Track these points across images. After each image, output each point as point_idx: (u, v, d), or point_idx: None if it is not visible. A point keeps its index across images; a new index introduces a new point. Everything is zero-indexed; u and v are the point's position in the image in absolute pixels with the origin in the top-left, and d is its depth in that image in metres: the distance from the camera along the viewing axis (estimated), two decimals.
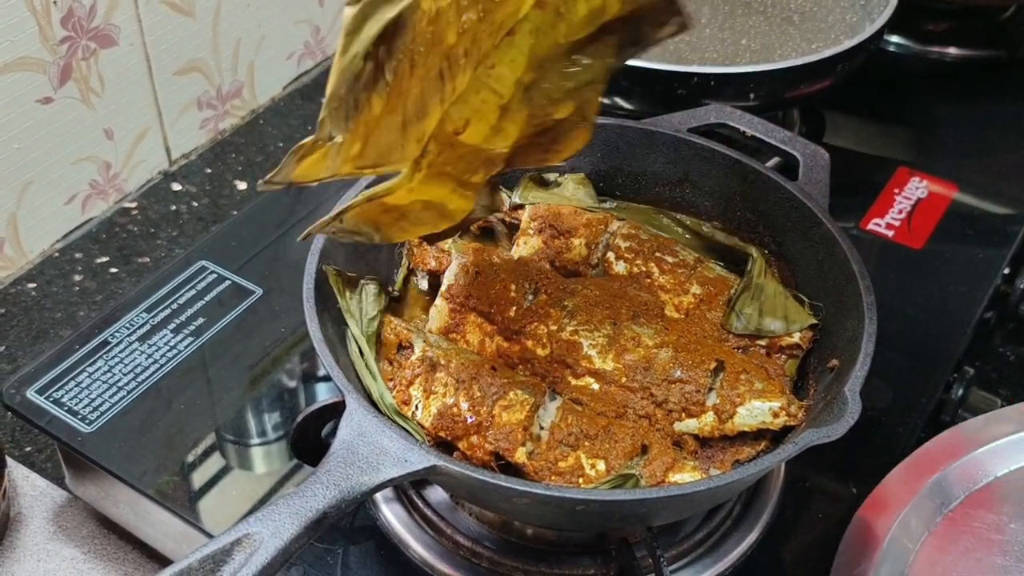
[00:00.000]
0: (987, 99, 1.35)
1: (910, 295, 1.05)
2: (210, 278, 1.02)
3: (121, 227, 1.23)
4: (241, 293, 1.01)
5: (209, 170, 1.30)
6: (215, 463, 0.89)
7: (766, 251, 0.89)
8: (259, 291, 1.02)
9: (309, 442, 0.80)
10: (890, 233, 1.12)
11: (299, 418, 0.78)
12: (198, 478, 0.88)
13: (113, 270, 1.18)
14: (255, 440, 0.91)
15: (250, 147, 1.34)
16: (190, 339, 0.97)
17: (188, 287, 1.01)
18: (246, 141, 1.34)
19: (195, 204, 1.26)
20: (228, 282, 1.02)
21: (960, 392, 0.98)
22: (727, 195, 0.91)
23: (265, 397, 0.93)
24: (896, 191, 1.18)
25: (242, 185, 1.29)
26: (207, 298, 1.00)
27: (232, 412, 0.92)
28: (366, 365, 0.78)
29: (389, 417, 0.76)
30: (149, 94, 1.24)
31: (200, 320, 0.98)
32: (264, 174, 1.28)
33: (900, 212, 1.15)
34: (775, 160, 1.06)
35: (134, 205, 1.25)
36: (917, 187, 1.18)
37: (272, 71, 1.39)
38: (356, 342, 0.79)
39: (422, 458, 0.66)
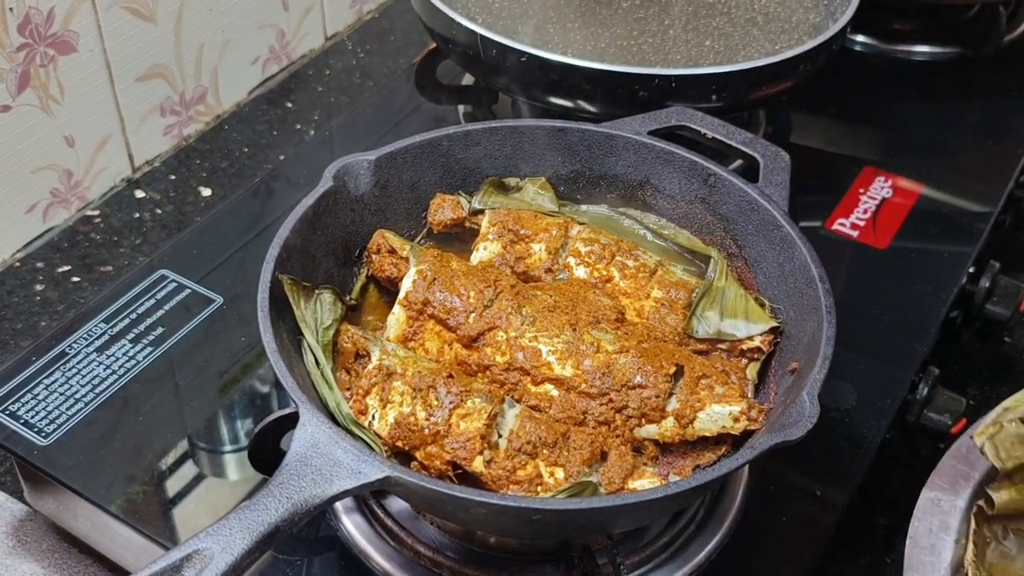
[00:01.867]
0: (953, 98, 1.35)
1: (875, 295, 1.05)
2: (170, 287, 1.01)
3: (83, 235, 1.21)
4: (202, 302, 1.00)
5: (173, 177, 1.29)
6: (176, 475, 0.88)
7: (728, 254, 0.88)
8: (220, 300, 1.00)
9: (268, 453, 0.79)
10: (855, 233, 1.12)
11: (256, 429, 0.78)
12: (158, 491, 0.87)
13: (75, 279, 1.17)
14: (226, 448, 0.91)
15: (215, 153, 1.32)
16: (149, 349, 0.96)
17: (148, 296, 1.00)
18: (211, 147, 1.33)
19: (159, 211, 1.25)
20: (188, 291, 1.01)
21: (926, 392, 0.98)
22: (688, 198, 0.90)
23: (234, 405, 0.93)
24: (861, 191, 1.17)
25: (207, 192, 1.27)
26: (167, 307, 0.99)
27: (196, 421, 0.91)
28: (322, 374, 0.77)
29: (345, 427, 0.75)
30: (110, 101, 1.22)
31: (159, 330, 0.97)
32: (229, 180, 1.30)
33: (865, 212, 1.14)
34: (738, 162, 1.05)
35: (96, 213, 1.23)
36: (882, 187, 1.18)
37: (236, 76, 1.38)
38: (312, 351, 0.78)
39: (376, 469, 0.66)
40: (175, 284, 1.01)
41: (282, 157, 1.30)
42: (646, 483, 0.73)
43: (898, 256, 1.10)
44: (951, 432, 0.98)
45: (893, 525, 0.99)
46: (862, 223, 1.13)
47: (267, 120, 1.37)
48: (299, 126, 1.37)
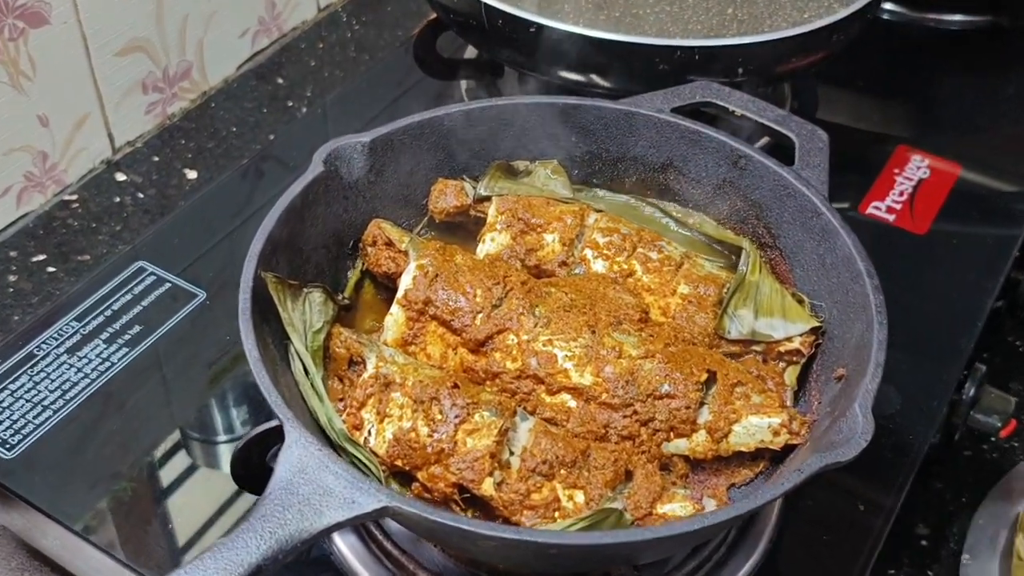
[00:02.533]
0: (989, 69, 1.27)
1: (915, 285, 0.98)
2: (148, 280, 0.95)
3: (60, 222, 1.14)
4: (183, 297, 0.94)
5: (156, 158, 1.21)
6: (152, 490, 0.81)
7: (760, 244, 0.82)
8: (202, 295, 0.94)
9: (253, 468, 0.72)
10: (891, 217, 1.05)
11: (239, 444, 0.71)
12: (133, 509, 0.80)
13: (51, 269, 1.09)
14: (211, 455, 0.84)
15: (201, 133, 1.25)
16: (125, 350, 0.89)
17: (124, 291, 0.93)
18: (196, 126, 1.26)
19: (141, 195, 1.17)
20: (168, 284, 0.94)
21: (972, 391, 0.91)
22: (716, 182, 0.84)
23: (219, 410, 0.87)
24: (896, 171, 1.10)
25: (192, 174, 1.19)
26: (144, 303, 0.93)
27: (176, 427, 0.85)
28: (311, 385, 0.70)
29: (338, 444, 0.69)
30: (87, 77, 1.14)
31: (136, 328, 0.90)
32: (217, 161, 1.24)
33: (901, 194, 1.07)
34: (764, 140, 0.98)
35: (74, 197, 1.16)
36: (919, 166, 1.11)
37: (224, 50, 1.29)
38: (300, 359, 0.71)
39: (371, 499, 0.59)
40: (154, 277, 0.95)
41: (272, 136, 1.24)
42: (677, 508, 0.66)
43: (938, 242, 1.03)
44: (1000, 435, 0.93)
45: (935, 535, 0.93)
46: (898, 206, 1.06)
47: (256, 97, 1.30)
48: (291, 103, 1.29)
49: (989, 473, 0.98)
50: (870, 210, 1.06)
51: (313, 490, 0.59)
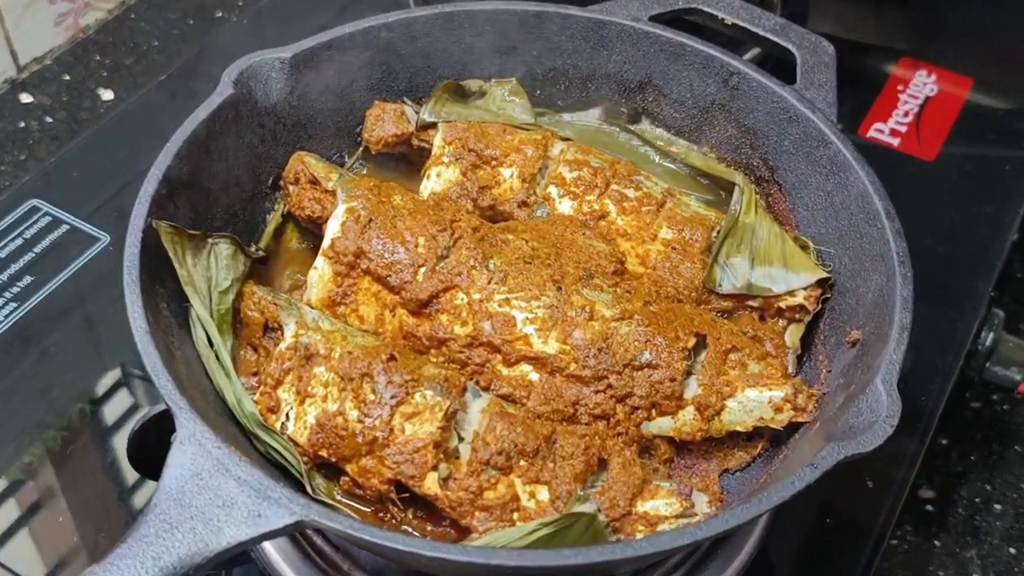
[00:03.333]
0: None
1: (925, 219, 0.91)
2: (43, 222, 0.88)
3: None
4: (83, 241, 0.87)
5: (67, 77, 1.15)
6: (33, 491, 0.73)
7: (756, 179, 0.76)
8: (106, 238, 0.87)
9: (151, 451, 0.63)
10: (895, 141, 0.99)
11: (134, 427, 0.64)
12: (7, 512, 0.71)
13: None
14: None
15: (118, 47, 1.18)
16: (13, 305, 0.83)
17: (14, 235, 0.88)
18: (113, 40, 1.19)
19: (49, 120, 1.11)
20: (66, 227, 0.88)
21: (989, 340, 0.85)
22: (703, 104, 0.78)
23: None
24: (900, 88, 1.03)
25: (108, 95, 1.13)
26: (37, 249, 0.87)
27: (72, 404, 0.76)
28: (217, 358, 0.61)
29: (249, 431, 0.60)
30: None
31: (27, 280, 0.84)
32: (136, 79, 1.17)
33: (906, 115, 1.01)
34: (754, 52, 0.92)
35: None
36: (924, 82, 1.04)
37: None
38: (203, 326, 0.61)
39: (282, 512, 0.50)
40: (50, 218, 0.89)
41: (199, 51, 1.16)
42: (661, 505, 0.58)
43: (949, 168, 0.97)
44: (1020, 390, 0.86)
45: (942, 499, 0.87)
46: (903, 128, 1.00)
47: (182, 7, 1.23)
48: (220, 13, 1.23)
49: (1001, 429, 0.92)
50: (871, 133, 0.99)
51: (209, 500, 0.50)
